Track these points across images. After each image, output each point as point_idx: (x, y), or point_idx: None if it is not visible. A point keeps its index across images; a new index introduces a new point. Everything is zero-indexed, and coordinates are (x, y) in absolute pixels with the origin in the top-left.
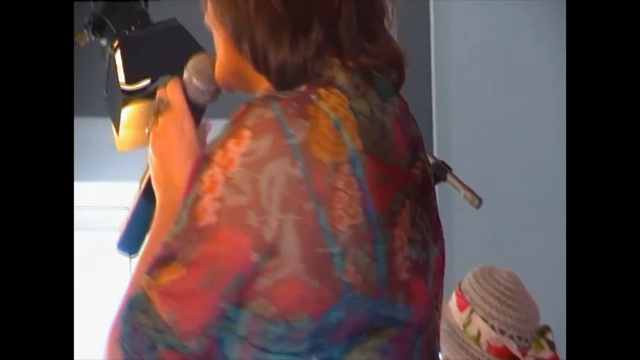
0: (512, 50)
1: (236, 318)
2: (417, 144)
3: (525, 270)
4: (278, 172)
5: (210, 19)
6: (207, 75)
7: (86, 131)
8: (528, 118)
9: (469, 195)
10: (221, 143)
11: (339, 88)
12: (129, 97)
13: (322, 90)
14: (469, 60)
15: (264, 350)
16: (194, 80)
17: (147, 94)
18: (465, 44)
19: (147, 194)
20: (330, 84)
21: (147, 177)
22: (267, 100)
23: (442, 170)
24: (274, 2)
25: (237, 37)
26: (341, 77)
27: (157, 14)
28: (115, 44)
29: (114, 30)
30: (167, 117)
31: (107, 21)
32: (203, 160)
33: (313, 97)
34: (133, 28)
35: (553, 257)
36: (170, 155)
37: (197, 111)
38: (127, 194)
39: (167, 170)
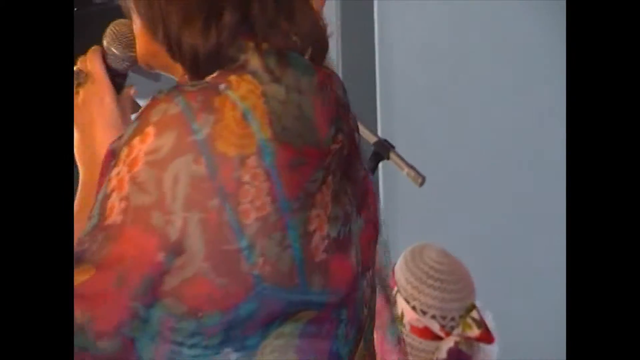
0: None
1: (148, 318)
2: (341, 112)
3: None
4: (182, 170)
5: (127, 5)
6: (127, 41)
7: None
8: (469, 90)
9: (412, 173)
10: (127, 140)
11: (252, 74)
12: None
13: (233, 78)
14: (411, 42)
15: (178, 344)
16: (113, 47)
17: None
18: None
19: None
20: (243, 69)
21: None
22: (172, 94)
23: (385, 149)
24: None
25: (151, 25)
26: (255, 62)
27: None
28: None
29: None
30: (87, 88)
31: None
32: (111, 157)
33: (222, 86)
34: (75, 10)
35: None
36: (91, 128)
37: (119, 78)
38: None
39: (89, 143)
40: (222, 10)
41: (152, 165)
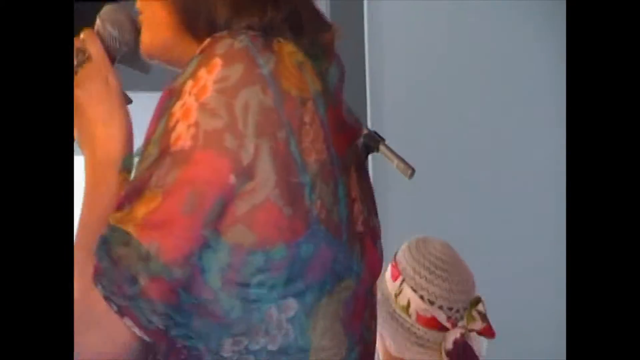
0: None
1: (218, 247)
2: (351, 116)
3: (463, 242)
4: (252, 98)
5: None
6: (123, 24)
7: None
8: (459, 83)
9: (401, 165)
10: (191, 74)
11: (295, 43)
12: None
13: (281, 39)
14: (401, 35)
15: (244, 284)
16: (109, 28)
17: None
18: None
19: None
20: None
21: None
22: (235, 32)
23: (374, 141)
24: None
25: (192, 18)
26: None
27: None
28: None
29: None
30: (89, 67)
31: None
32: (170, 95)
33: (275, 39)
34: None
35: (484, 224)
36: (96, 106)
37: (110, 62)
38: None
39: (94, 122)
40: (266, 6)
41: (222, 92)
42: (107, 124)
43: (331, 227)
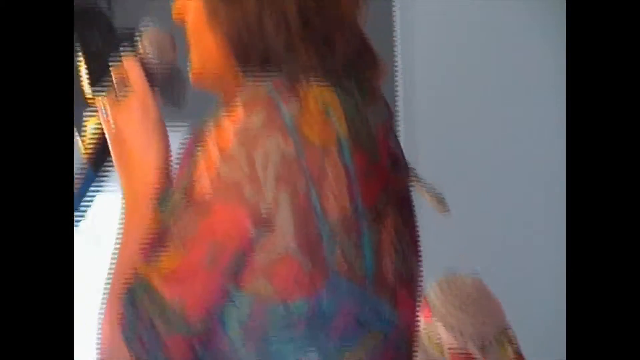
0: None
1: (238, 300)
2: (398, 158)
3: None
4: (273, 148)
5: (192, 17)
6: (163, 45)
7: None
8: (495, 121)
9: (435, 201)
10: (215, 122)
11: (326, 80)
12: (95, 109)
13: (312, 79)
14: (435, 65)
15: (264, 338)
16: (150, 51)
17: None
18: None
19: (96, 166)
20: (322, 76)
21: (97, 151)
22: (258, 79)
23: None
24: (292, 22)
25: (246, 52)
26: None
27: (122, 20)
28: (80, 54)
29: (79, 41)
30: (129, 97)
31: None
32: (196, 142)
33: (303, 81)
34: (98, 36)
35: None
36: (136, 133)
37: (150, 85)
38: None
39: (133, 149)
40: (334, 43)
41: (243, 142)
42: (146, 155)
43: (355, 279)
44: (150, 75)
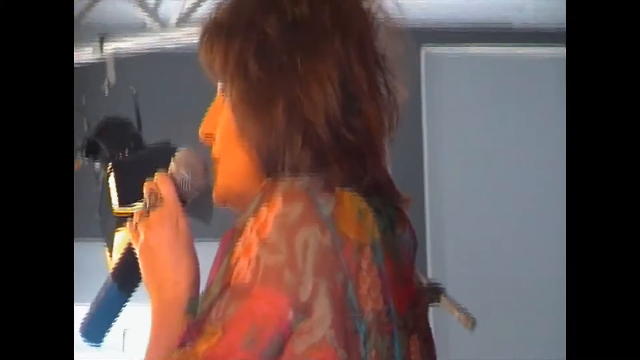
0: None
1: None
2: (420, 287)
3: None
4: (311, 237)
5: (220, 135)
6: (196, 169)
7: (81, 254)
8: (527, 231)
9: (463, 317)
10: (252, 212)
11: (358, 194)
12: (122, 220)
13: (346, 189)
14: (462, 177)
15: None
16: (183, 172)
17: None
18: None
19: (121, 283)
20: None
21: (119, 263)
22: (295, 174)
23: (435, 292)
24: (324, 136)
25: (275, 166)
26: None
27: (151, 136)
28: (109, 167)
29: (108, 154)
30: (160, 211)
31: (101, 145)
32: (232, 234)
33: (337, 187)
34: (127, 151)
35: None
36: (165, 250)
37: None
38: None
39: (162, 265)
40: (361, 163)
41: (282, 228)
42: (175, 269)
43: None
44: (180, 194)
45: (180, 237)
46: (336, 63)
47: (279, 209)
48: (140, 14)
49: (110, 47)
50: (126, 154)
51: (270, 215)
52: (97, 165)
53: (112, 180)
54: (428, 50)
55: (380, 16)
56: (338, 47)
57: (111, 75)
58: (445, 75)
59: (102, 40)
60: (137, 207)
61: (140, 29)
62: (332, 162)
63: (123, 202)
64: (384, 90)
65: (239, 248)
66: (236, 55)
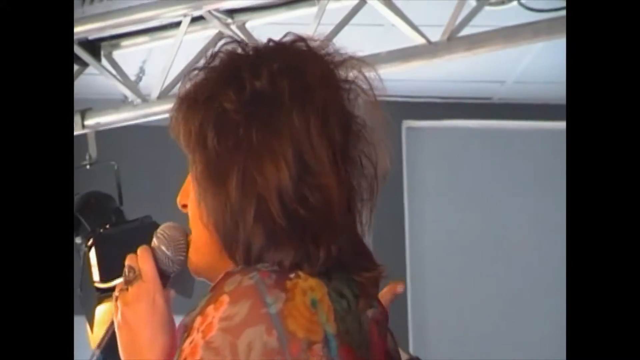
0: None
1: None
2: (394, 357)
3: None
4: (256, 339)
5: (191, 207)
6: (179, 245)
7: None
8: (512, 304)
9: None
10: (200, 310)
11: (319, 277)
12: (103, 295)
13: (302, 273)
14: (444, 249)
15: None
16: (165, 249)
17: None
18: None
19: (106, 355)
20: (312, 274)
21: (105, 335)
22: (246, 270)
23: None
24: (275, 213)
25: (231, 245)
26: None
27: (132, 210)
28: (90, 242)
29: (89, 229)
30: (138, 286)
31: (82, 219)
32: (182, 330)
33: (292, 275)
34: (108, 226)
35: None
36: (142, 328)
37: (163, 279)
38: None
39: (138, 343)
40: (315, 241)
41: (226, 331)
42: (151, 348)
43: None
44: (162, 268)
45: (156, 315)
46: (292, 137)
47: (225, 310)
48: (122, 89)
49: (91, 121)
50: (107, 229)
51: (216, 316)
52: (78, 239)
53: (92, 255)
54: (409, 124)
55: (360, 84)
56: (296, 120)
57: (92, 149)
58: (426, 148)
59: (83, 115)
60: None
61: (121, 103)
62: (286, 241)
63: (104, 276)
64: (364, 160)
65: (186, 347)
66: (197, 129)
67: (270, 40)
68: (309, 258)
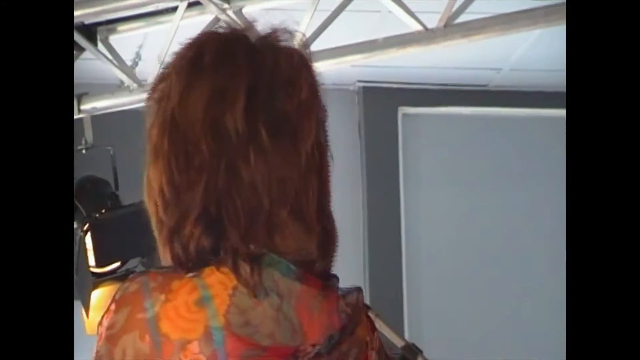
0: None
1: None
2: (346, 327)
3: None
4: (129, 345)
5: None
6: None
7: None
8: (506, 296)
9: None
10: (100, 320)
11: (233, 268)
12: (99, 280)
13: (209, 268)
14: (440, 236)
15: None
16: None
17: (117, 277)
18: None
19: None
20: (226, 262)
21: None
22: (139, 274)
23: (412, 353)
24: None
25: (155, 227)
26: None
27: (128, 195)
28: (86, 227)
29: (84, 213)
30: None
31: (78, 204)
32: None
33: (191, 274)
34: (103, 211)
35: None
36: None
37: None
38: None
39: None
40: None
41: (108, 339)
42: None
43: None
44: None
45: None
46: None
47: (110, 318)
48: (118, 73)
49: (87, 106)
50: (103, 213)
51: (104, 325)
52: (74, 224)
53: (88, 240)
54: (405, 111)
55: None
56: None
57: (88, 134)
58: (422, 135)
59: (79, 99)
60: (113, 267)
61: (117, 88)
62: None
63: (100, 261)
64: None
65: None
66: (147, 130)
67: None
68: (221, 239)
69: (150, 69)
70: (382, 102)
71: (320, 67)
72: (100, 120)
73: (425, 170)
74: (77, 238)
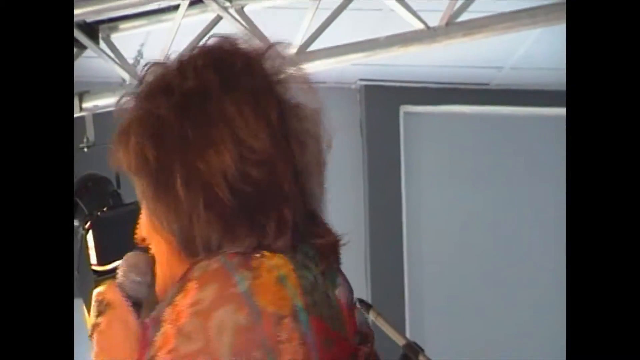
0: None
1: None
2: (366, 333)
3: None
4: (226, 318)
5: (145, 231)
6: (141, 268)
7: None
8: (507, 290)
9: None
10: (169, 301)
11: (284, 254)
12: (101, 278)
13: (266, 252)
14: (442, 234)
15: None
16: (130, 274)
17: None
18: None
19: None
20: (275, 251)
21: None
22: (212, 254)
23: (414, 351)
24: (223, 195)
25: (188, 241)
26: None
27: (130, 193)
28: (87, 225)
29: (86, 211)
30: (109, 314)
31: (80, 202)
32: (152, 323)
33: (257, 255)
34: (105, 209)
35: None
36: (119, 350)
37: (136, 307)
38: None
39: None
40: (266, 217)
41: (197, 315)
42: None
43: None
44: (132, 295)
45: (131, 335)
46: (227, 122)
47: (193, 295)
48: (120, 72)
49: (89, 104)
50: (105, 212)
51: (185, 303)
52: (76, 222)
53: (90, 238)
54: (407, 109)
55: (288, 71)
56: (228, 107)
57: (90, 132)
58: (424, 133)
59: (81, 97)
60: (115, 264)
61: (119, 86)
62: (240, 222)
63: (101, 259)
64: (306, 137)
65: (158, 339)
66: (136, 147)
67: (193, 47)
68: (265, 234)
69: None
70: (383, 100)
71: (322, 66)
72: (102, 118)
73: (427, 168)
74: (78, 236)
